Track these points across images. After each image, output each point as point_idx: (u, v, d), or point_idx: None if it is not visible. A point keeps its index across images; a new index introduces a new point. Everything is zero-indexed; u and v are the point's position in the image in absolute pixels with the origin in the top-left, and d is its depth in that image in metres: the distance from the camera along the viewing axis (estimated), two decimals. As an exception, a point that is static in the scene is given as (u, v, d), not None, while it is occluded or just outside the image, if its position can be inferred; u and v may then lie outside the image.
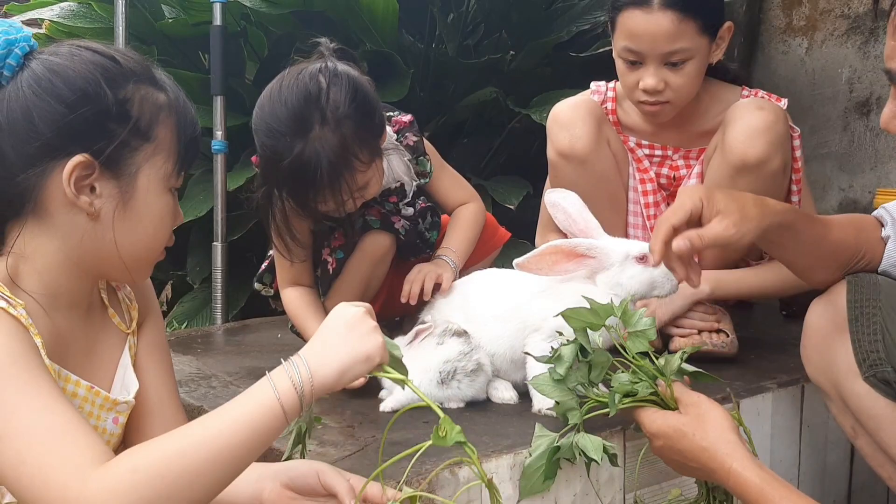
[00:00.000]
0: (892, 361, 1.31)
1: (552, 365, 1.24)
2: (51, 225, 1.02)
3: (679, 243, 1.25)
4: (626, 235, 1.94)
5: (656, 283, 1.42)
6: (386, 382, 1.51)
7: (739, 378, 1.61)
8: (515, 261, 1.42)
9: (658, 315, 1.79)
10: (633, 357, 1.22)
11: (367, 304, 1.05)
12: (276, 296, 1.81)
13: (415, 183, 1.79)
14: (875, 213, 1.47)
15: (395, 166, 1.72)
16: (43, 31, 3.05)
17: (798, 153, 1.82)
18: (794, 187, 1.84)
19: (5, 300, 0.95)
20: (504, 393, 1.48)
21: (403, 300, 1.65)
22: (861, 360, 1.34)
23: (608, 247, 1.43)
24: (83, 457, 0.88)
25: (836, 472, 1.72)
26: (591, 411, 1.22)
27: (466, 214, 1.82)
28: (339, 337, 0.98)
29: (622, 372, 1.22)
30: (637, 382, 1.20)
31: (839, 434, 1.62)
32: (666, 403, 1.20)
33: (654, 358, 1.23)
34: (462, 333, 1.44)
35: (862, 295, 1.36)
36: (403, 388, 1.05)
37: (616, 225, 1.93)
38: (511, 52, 2.90)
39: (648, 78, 1.75)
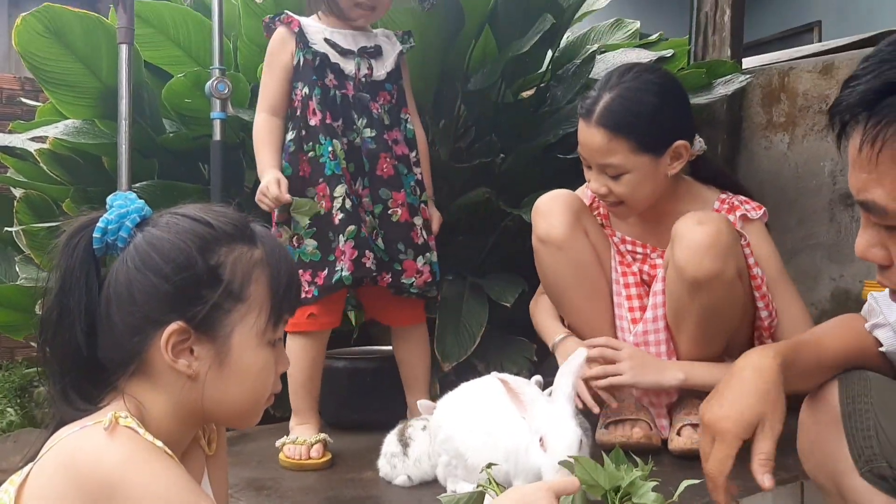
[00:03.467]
0: (887, 456, 1.32)
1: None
2: (157, 382, 1.06)
3: None
4: (613, 327, 1.98)
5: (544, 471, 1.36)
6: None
7: (738, 476, 1.59)
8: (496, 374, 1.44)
9: (623, 379, 1.83)
10: None
11: (554, 488, 1.13)
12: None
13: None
14: (865, 306, 1.51)
15: None
16: (47, 146, 3.13)
17: (751, 260, 1.85)
18: (757, 293, 1.86)
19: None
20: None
21: None
22: (857, 455, 1.35)
23: (537, 413, 1.38)
24: None
25: (843, 571, 1.68)
26: None
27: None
28: None
29: None
30: None
31: (841, 531, 1.60)
32: None
33: None
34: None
35: (853, 391, 1.38)
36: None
37: (599, 315, 1.99)
38: (501, 155, 2.98)
39: (592, 182, 1.94)
